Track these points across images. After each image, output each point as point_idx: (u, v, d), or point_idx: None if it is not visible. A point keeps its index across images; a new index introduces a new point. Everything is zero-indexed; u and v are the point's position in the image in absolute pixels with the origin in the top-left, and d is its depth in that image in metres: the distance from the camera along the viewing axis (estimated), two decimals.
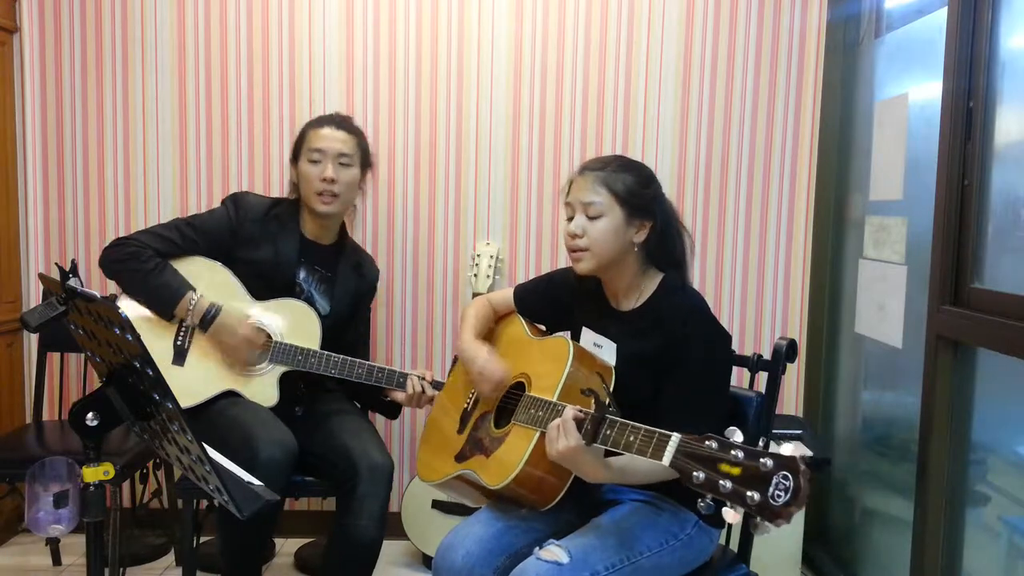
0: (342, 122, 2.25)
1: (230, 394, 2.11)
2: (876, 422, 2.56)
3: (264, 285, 2.17)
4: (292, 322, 2.16)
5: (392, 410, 2.27)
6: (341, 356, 2.13)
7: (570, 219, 1.68)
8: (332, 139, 2.20)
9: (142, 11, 2.74)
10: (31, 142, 2.78)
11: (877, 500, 2.54)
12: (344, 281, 2.28)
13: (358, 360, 2.14)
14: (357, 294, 2.32)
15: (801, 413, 2.86)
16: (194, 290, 2.11)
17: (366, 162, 2.28)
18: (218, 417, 2.05)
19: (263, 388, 2.12)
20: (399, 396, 2.15)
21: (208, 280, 2.15)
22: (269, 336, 2.14)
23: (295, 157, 2.25)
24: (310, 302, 2.21)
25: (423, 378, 2.14)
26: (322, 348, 2.15)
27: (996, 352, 1.80)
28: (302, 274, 2.23)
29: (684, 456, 1.22)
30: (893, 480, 2.40)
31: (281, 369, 2.13)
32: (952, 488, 1.96)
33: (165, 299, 2.09)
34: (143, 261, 2.09)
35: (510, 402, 1.73)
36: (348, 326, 2.31)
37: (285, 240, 2.21)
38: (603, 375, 1.63)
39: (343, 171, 2.19)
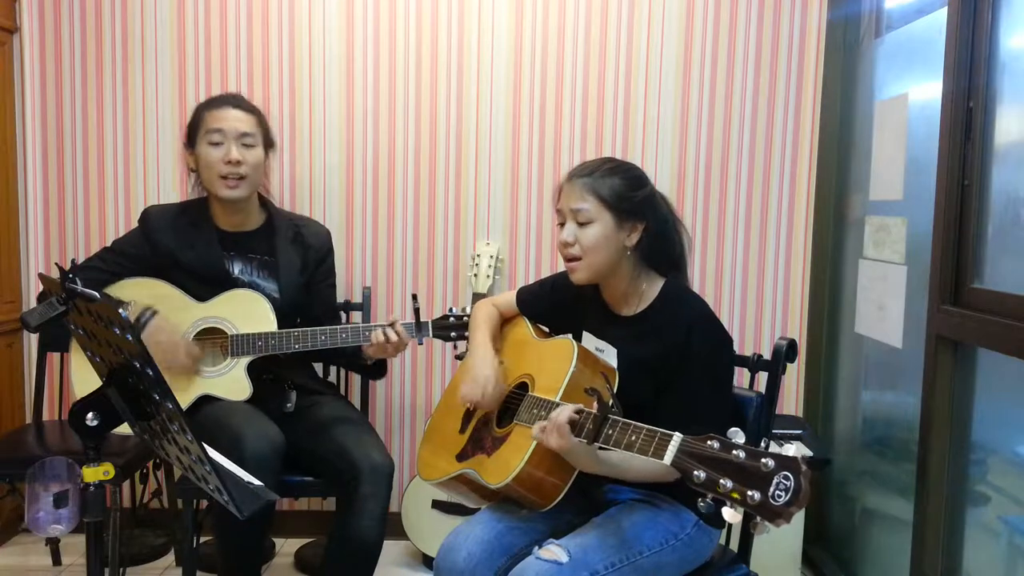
0: (240, 101, 2.19)
1: (206, 400, 2.10)
2: (876, 422, 2.56)
3: (203, 288, 2.15)
4: (242, 311, 2.13)
5: (376, 370, 2.24)
6: (300, 329, 2.10)
7: (561, 225, 1.68)
8: (233, 119, 2.13)
9: (142, 11, 2.74)
10: (31, 142, 2.78)
11: (877, 500, 2.54)
12: (286, 258, 2.23)
13: (318, 328, 2.10)
14: (306, 266, 2.27)
15: (801, 413, 2.86)
16: (125, 304, 2.05)
17: (269, 142, 2.23)
18: (204, 421, 2.04)
19: (233, 383, 2.10)
20: (369, 351, 2.10)
21: (148, 295, 2.13)
22: (224, 333, 2.12)
23: (191, 141, 2.18)
24: (257, 291, 2.17)
25: (390, 325, 2.07)
26: (284, 328, 2.13)
27: (996, 352, 1.80)
28: (237, 267, 2.20)
29: (686, 455, 1.23)
30: (893, 480, 2.40)
31: (246, 360, 2.11)
32: (952, 488, 1.96)
33: None
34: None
35: (513, 402, 1.73)
36: (309, 302, 2.27)
37: (203, 240, 2.18)
38: (607, 375, 1.63)
39: (247, 152, 2.13)
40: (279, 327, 2.13)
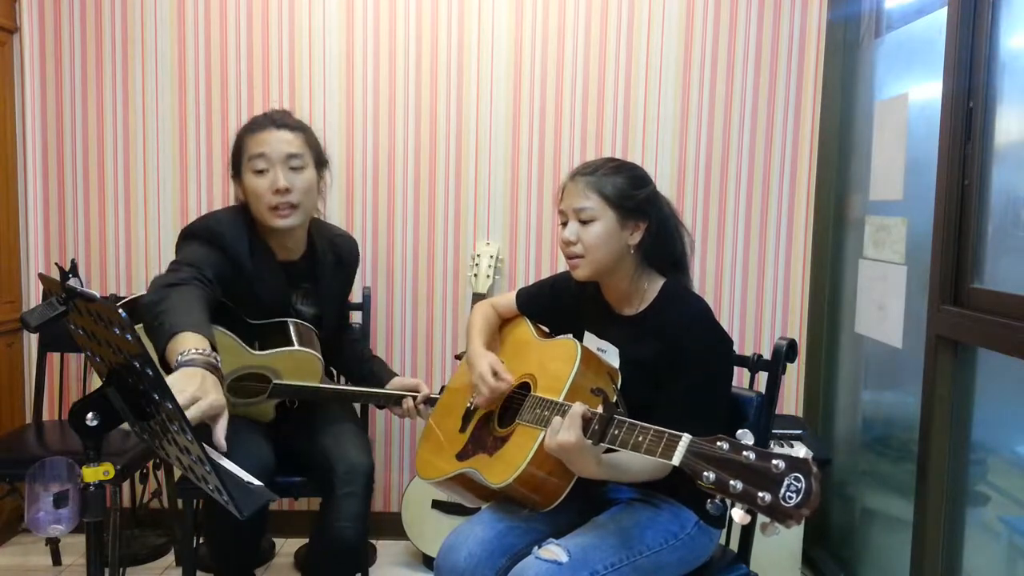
0: (283, 120, 1.97)
1: None
2: (876, 422, 2.56)
3: (256, 316, 2.01)
4: (292, 367, 2.01)
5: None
6: (340, 387, 2.10)
7: (563, 225, 1.68)
8: (276, 141, 1.93)
9: (142, 11, 2.74)
10: (31, 142, 2.78)
11: (877, 500, 2.54)
12: (328, 284, 2.16)
13: (357, 389, 2.11)
14: (344, 287, 2.24)
15: (801, 413, 2.86)
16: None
17: (320, 160, 2.04)
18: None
19: (259, 410, 2.05)
20: (395, 412, 2.11)
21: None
22: (267, 379, 2.01)
23: (236, 171, 1.99)
24: (300, 317, 2.10)
25: (417, 396, 2.07)
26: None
27: (996, 352, 1.80)
28: (292, 298, 2.09)
29: (695, 456, 1.22)
30: (893, 480, 2.40)
31: (276, 400, 2.05)
32: (952, 488, 1.96)
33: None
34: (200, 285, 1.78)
35: (514, 402, 1.73)
36: (338, 315, 2.27)
37: (271, 271, 2.01)
38: (612, 376, 1.63)
39: (296, 176, 1.93)
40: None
